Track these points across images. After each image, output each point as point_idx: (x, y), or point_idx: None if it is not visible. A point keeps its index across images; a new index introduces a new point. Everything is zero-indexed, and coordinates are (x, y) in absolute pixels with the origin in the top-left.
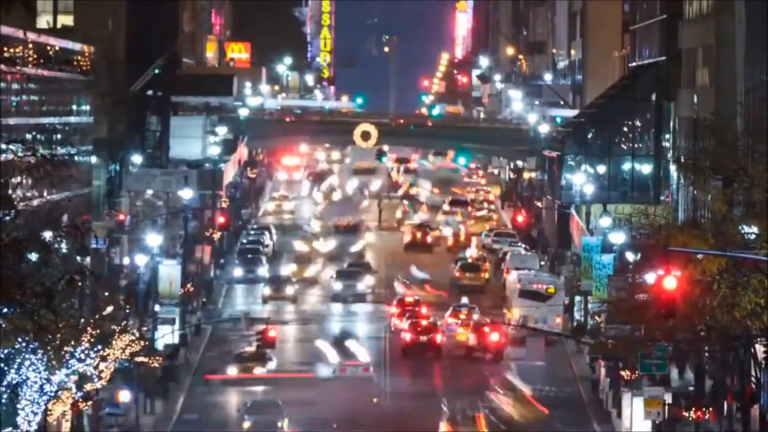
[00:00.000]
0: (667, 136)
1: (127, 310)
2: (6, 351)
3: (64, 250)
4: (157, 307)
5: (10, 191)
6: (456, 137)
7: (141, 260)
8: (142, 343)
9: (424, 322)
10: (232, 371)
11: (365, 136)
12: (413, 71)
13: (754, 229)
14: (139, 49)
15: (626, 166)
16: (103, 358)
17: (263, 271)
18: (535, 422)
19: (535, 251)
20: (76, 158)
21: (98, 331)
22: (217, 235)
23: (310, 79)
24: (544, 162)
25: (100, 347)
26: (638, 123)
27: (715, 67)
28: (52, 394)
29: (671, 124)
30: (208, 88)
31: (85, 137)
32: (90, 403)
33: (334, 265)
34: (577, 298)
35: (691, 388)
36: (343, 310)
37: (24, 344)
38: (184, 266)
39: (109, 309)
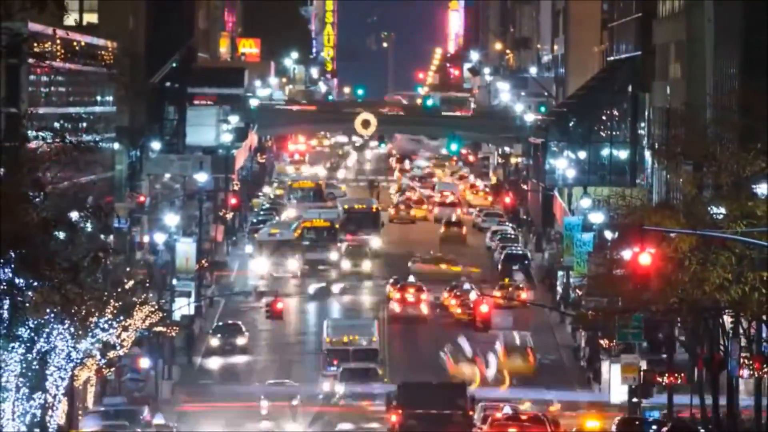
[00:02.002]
0: (642, 124)
1: (147, 284)
2: (36, 321)
3: (89, 229)
4: (174, 281)
5: (40, 175)
6: (449, 125)
7: (159, 238)
8: (160, 314)
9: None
10: None
11: (365, 124)
12: (409, 65)
13: (722, 210)
14: (157, 45)
15: (605, 151)
16: (125, 328)
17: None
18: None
19: (522, 230)
20: (100, 145)
21: (120, 303)
22: (229, 215)
23: (314, 72)
24: (530, 148)
25: (122, 318)
26: (616, 112)
27: (687, 61)
28: (78, 361)
29: (646, 113)
30: (221, 80)
31: (109, 125)
32: (113, 369)
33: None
34: (560, 273)
35: (665, 356)
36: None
37: (52, 315)
38: (199, 244)
39: (130, 283)
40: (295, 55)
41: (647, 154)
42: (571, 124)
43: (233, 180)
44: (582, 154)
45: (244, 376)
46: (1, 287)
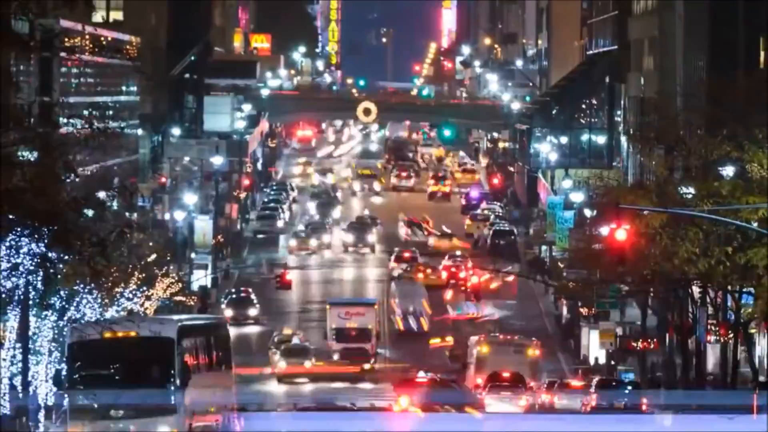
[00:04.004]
0: (619, 112)
1: (168, 258)
2: (67, 291)
3: (116, 208)
4: (192, 255)
5: (70, 158)
6: (442, 113)
7: (179, 216)
8: (180, 285)
9: None
10: None
11: (366, 112)
12: (407, 58)
13: (691, 190)
14: (177, 40)
15: (584, 137)
16: (148, 298)
17: (281, 224)
18: None
19: (509, 208)
20: (125, 131)
21: (144, 275)
22: (242, 195)
23: (320, 64)
24: (516, 134)
25: (145, 288)
26: (594, 101)
27: (659, 54)
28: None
29: (622, 102)
30: (235, 72)
31: (133, 113)
32: None
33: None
34: (544, 248)
35: (639, 323)
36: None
37: (82, 286)
38: (216, 221)
39: (153, 257)
40: (302, 49)
41: (623, 139)
42: (553, 112)
43: (246, 163)
44: (564, 139)
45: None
46: (35, 260)
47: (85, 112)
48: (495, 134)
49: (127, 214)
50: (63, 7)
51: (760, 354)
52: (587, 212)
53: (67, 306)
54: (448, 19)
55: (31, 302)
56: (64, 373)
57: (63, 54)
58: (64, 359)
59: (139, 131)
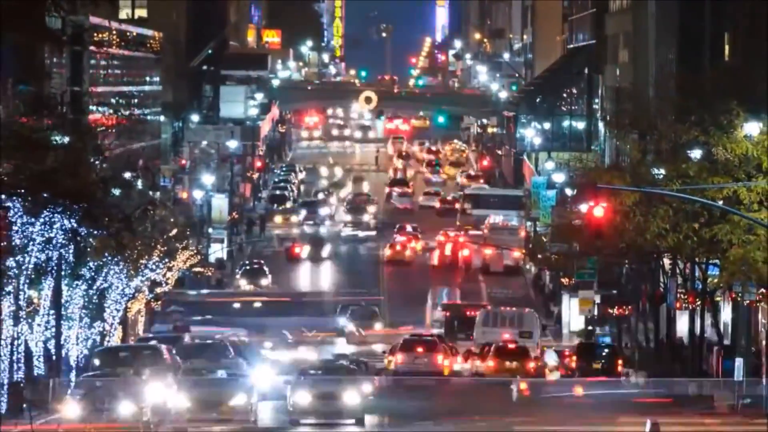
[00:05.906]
0: (597, 100)
1: (188, 232)
2: (96, 263)
3: (140, 187)
4: (210, 230)
5: (99, 142)
6: (437, 101)
7: (198, 194)
8: (198, 257)
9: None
10: None
11: (367, 100)
12: (404, 51)
13: (662, 171)
14: (196, 35)
15: (566, 123)
16: (169, 269)
17: (289, 204)
18: None
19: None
20: (148, 117)
21: (165, 248)
22: (255, 176)
23: (326, 57)
24: (504, 120)
25: (167, 260)
26: (575, 90)
27: (633, 48)
28: (131, 295)
29: (599, 91)
30: (248, 64)
31: (156, 101)
32: (159, 302)
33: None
34: (528, 223)
35: (615, 292)
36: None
37: (109, 258)
38: (231, 199)
39: (174, 231)
40: (309, 43)
41: (600, 125)
42: (538, 100)
43: (259, 146)
44: (547, 125)
45: None
46: (67, 235)
47: (112, 101)
48: (484, 120)
49: (150, 192)
50: (90, 5)
51: (725, 320)
52: (568, 191)
53: (96, 276)
54: (442, 15)
55: (63, 273)
56: None
57: (92, 47)
58: None
59: (162, 118)
